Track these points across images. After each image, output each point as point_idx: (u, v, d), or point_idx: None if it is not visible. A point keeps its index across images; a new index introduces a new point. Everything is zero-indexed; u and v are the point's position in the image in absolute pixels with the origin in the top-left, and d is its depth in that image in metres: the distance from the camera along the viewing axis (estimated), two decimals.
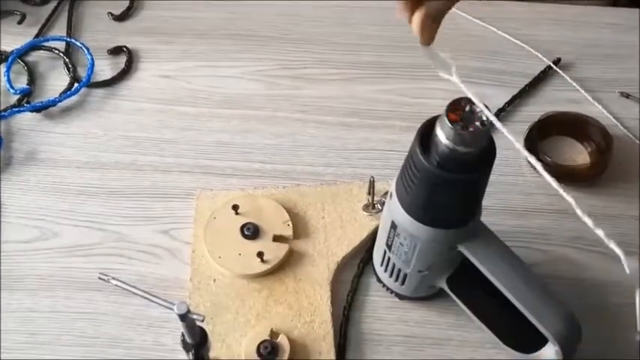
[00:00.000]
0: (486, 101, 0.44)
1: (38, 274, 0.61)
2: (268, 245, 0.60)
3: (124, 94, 0.74)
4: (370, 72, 0.77)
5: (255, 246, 0.60)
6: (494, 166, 0.46)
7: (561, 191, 0.37)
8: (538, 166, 0.38)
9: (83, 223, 0.64)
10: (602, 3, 0.94)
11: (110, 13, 0.80)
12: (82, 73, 0.75)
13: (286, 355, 0.54)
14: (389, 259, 0.56)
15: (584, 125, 0.70)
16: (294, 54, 0.78)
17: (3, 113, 0.70)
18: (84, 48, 0.75)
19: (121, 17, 0.81)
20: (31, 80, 0.74)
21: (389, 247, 0.54)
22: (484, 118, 0.43)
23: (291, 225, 0.62)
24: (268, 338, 0.55)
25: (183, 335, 0.47)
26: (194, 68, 0.76)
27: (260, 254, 0.59)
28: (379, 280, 0.60)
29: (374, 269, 0.61)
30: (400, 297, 0.60)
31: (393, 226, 0.52)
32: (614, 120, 0.72)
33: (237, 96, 0.74)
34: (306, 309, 0.58)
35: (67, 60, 0.76)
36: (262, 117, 0.72)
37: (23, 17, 0.80)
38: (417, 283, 0.56)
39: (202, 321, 0.44)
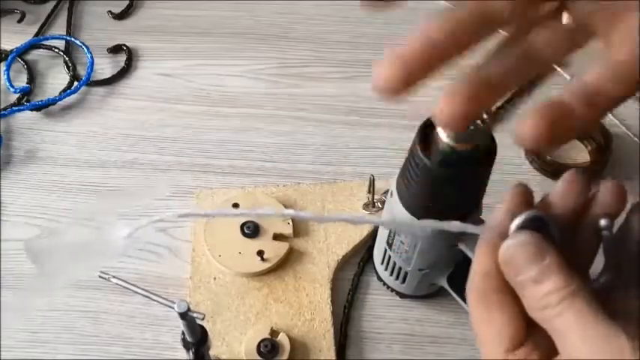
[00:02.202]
0: None
1: None
2: (268, 244, 0.60)
3: (124, 93, 0.74)
4: (371, 70, 0.76)
5: (255, 244, 0.60)
6: (494, 164, 0.46)
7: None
8: None
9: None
10: None
11: (110, 11, 0.80)
12: (82, 71, 0.74)
13: (286, 354, 0.54)
14: (389, 257, 0.56)
15: None
16: (295, 52, 0.78)
17: (3, 112, 0.70)
18: (84, 46, 0.75)
19: (121, 16, 0.80)
20: (31, 79, 0.74)
21: (389, 245, 0.54)
22: (484, 116, 0.43)
23: (291, 223, 0.61)
24: (268, 336, 0.55)
25: (183, 333, 0.47)
26: (194, 67, 0.76)
27: (260, 252, 0.59)
28: (379, 279, 0.60)
29: (374, 267, 0.60)
30: (401, 295, 0.60)
31: None
32: (613, 119, 0.72)
33: (238, 94, 0.74)
34: (306, 307, 0.58)
35: (66, 58, 0.75)
36: (262, 115, 0.72)
37: (23, 16, 0.80)
38: (418, 281, 0.56)
39: (202, 319, 0.44)
